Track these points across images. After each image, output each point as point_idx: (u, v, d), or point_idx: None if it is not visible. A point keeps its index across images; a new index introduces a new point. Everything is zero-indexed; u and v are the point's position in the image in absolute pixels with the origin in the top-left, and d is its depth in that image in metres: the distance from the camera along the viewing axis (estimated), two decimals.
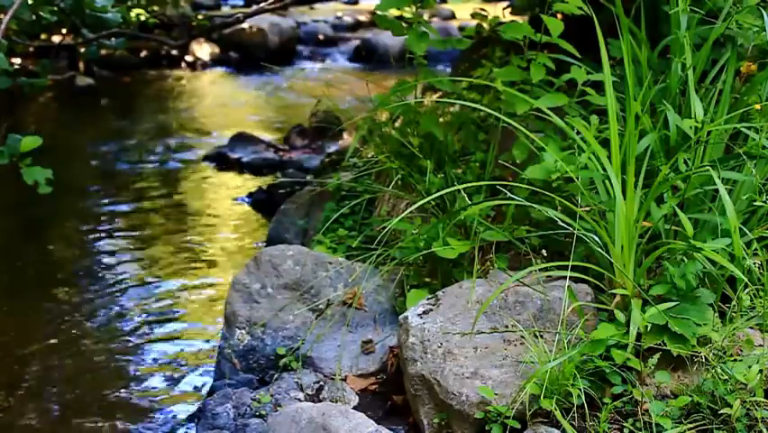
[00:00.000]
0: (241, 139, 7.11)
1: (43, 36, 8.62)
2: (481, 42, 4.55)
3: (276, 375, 3.30)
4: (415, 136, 3.94)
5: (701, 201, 3.02)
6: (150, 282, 4.77)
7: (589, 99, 3.51)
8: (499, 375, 2.73)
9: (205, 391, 3.58)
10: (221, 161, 6.91)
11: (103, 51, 9.48)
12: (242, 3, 13.18)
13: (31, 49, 7.44)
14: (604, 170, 2.99)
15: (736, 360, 2.60)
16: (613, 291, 2.83)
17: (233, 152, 6.94)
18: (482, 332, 2.88)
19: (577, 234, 2.86)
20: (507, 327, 2.89)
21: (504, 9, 5.05)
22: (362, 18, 12.69)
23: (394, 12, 4.01)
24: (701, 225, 3.00)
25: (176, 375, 3.82)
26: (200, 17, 9.51)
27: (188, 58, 10.84)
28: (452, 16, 12.90)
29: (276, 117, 8.46)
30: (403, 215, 3.15)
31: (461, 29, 5.59)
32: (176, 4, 9.93)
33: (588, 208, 2.95)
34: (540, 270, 2.92)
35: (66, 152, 7.06)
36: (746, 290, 2.74)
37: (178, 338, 4.16)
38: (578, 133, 3.14)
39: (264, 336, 3.42)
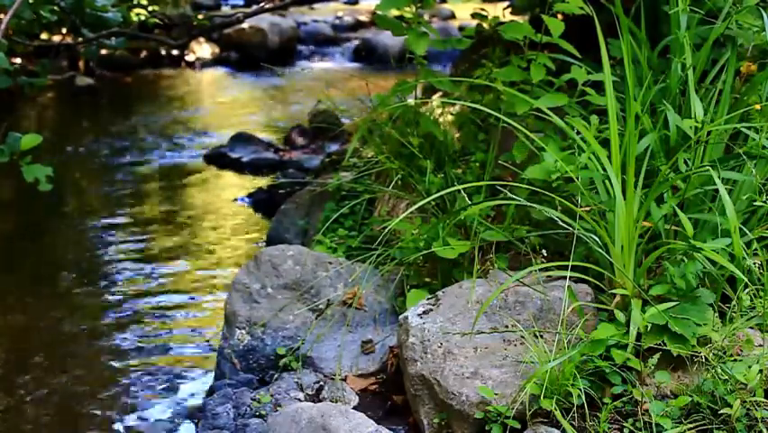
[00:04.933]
0: (241, 139, 7.10)
1: (43, 36, 8.61)
2: (481, 42, 4.55)
3: (276, 375, 3.30)
4: (415, 136, 3.94)
5: (701, 201, 3.02)
6: (149, 282, 4.77)
7: (589, 99, 3.52)
8: (499, 375, 2.72)
9: (205, 391, 3.58)
10: (221, 161, 6.91)
11: (103, 51, 9.48)
12: (242, 3, 13.18)
13: (30, 48, 7.44)
14: (604, 170, 2.99)
15: (736, 360, 2.60)
16: (613, 291, 2.83)
17: (232, 151, 6.94)
18: (482, 332, 2.88)
19: (577, 234, 2.86)
20: (507, 326, 2.89)
21: (504, 9, 5.05)
22: (362, 18, 12.69)
23: (394, 12, 4.01)
24: (701, 225, 3.00)
25: (176, 375, 3.82)
26: (200, 17, 9.50)
27: (188, 58, 10.84)
28: (452, 16, 12.89)
29: (276, 117, 8.45)
30: (403, 215, 3.15)
31: (461, 29, 5.60)
32: (176, 4, 9.94)
33: (588, 208, 2.94)
34: (540, 270, 2.92)
35: (66, 152, 7.06)
36: (746, 290, 2.74)
37: (177, 338, 4.16)
38: (578, 133, 3.14)
39: (264, 336, 3.42)
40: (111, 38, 6.92)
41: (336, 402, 3.07)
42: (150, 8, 8.92)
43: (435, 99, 4.41)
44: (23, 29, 6.27)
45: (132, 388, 3.72)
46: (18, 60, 8.52)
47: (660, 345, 2.65)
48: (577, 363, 2.63)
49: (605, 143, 3.07)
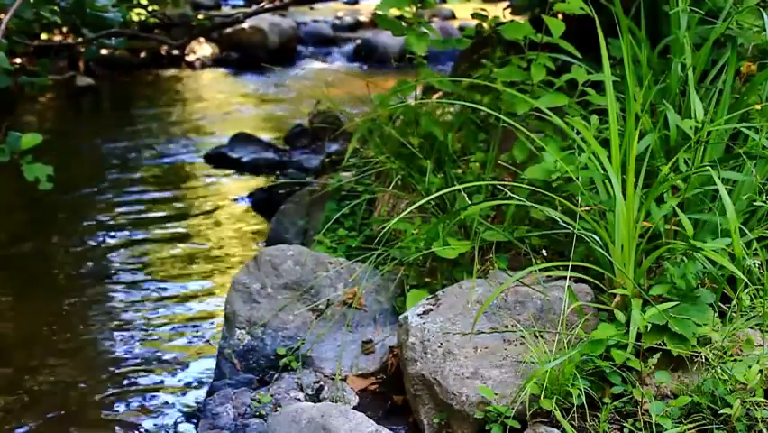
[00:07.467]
0: (241, 139, 7.10)
1: (43, 36, 8.61)
2: (481, 42, 4.55)
3: (276, 375, 3.30)
4: (415, 136, 3.94)
5: (701, 201, 3.02)
6: (149, 282, 4.77)
7: (589, 99, 3.52)
8: (499, 375, 2.73)
9: (205, 391, 3.58)
10: (221, 161, 6.90)
11: (103, 51, 9.47)
12: (242, 3, 13.18)
13: (31, 48, 7.45)
14: (604, 170, 2.99)
15: (736, 360, 2.60)
16: (613, 291, 2.83)
17: (232, 151, 6.93)
18: (482, 332, 2.88)
19: (577, 234, 2.86)
20: (507, 327, 2.89)
21: (504, 9, 5.05)
22: (362, 18, 12.69)
23: (394, 12, 4.01)
24: (701, 225, 3.00)
25: (176, 375, 3.82)
26: (200, 17, 9.50)
27: (188, 58, 10.83)
28: (452, 16, 12.89)
29: (276, 117, 8.45)
30: (403, 215, 3.15)
31: (461, 29, 5.59)
32: (176, 4, 9.93)
33: (588, 208, 2.94)
34: (540, 270, 2.92)
35: (65, 152, 7.05)
36: (746, 290, 2.74)
37: (177, 338, 4.16)
38: (578, 133, 3.14)
39: (264, 336, 3.42)
40: (111, 38, 6.92)
41: (336, 402, 3.07)
42: (150, 8, 8.92)
43: (434, 98, 4.40)
44: (23, 29, 6.27)
45: (132, 388, 3.72)
46: (18, 60, 8.52)
47: (660, 345, 2.65)
48: (577, 364, 2.63)
49: (605, 143, 3.07)
